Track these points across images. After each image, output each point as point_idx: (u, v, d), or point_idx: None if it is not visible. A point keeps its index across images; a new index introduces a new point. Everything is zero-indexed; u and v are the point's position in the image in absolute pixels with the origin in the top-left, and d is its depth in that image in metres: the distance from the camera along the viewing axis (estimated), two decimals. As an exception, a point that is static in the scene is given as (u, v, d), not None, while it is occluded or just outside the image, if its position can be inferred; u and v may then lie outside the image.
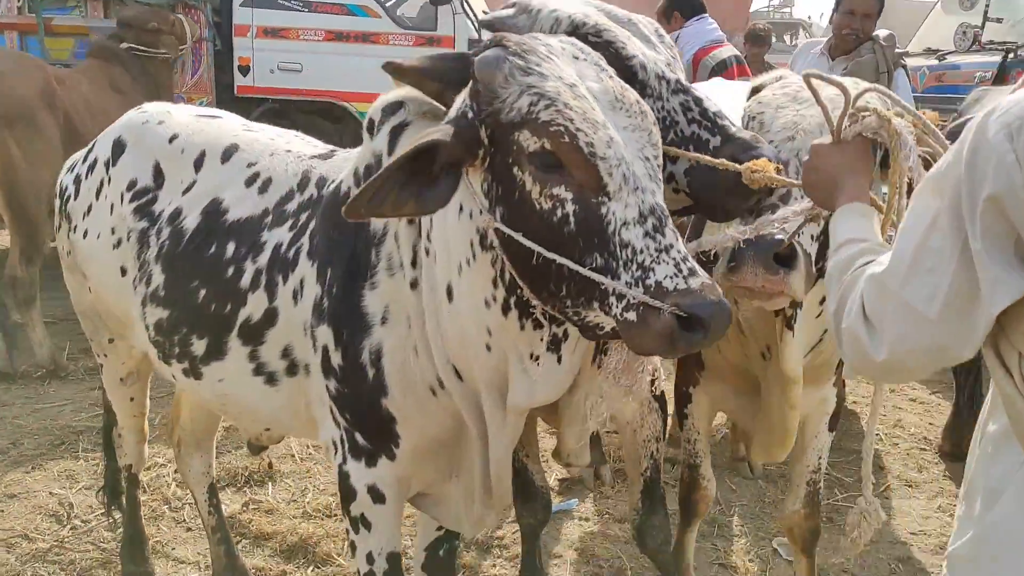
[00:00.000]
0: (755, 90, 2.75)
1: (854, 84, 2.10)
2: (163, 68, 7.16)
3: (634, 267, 1.84)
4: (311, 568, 3.93)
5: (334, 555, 4.01)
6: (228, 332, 2.69)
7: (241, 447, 4.91)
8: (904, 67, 5.88)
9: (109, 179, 3.03)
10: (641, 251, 1.84)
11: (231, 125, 3.02)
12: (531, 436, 3.40)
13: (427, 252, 2.28)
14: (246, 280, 2.65)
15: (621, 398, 2.16)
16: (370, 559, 2.64)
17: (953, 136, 1.58)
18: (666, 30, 2.58)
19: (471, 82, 2.02)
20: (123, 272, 3.00)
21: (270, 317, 2.61)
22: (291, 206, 2.68)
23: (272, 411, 2.77)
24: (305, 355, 2.58)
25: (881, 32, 5.74)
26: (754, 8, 22.86)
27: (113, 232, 3.00)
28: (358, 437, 2.52)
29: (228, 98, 7.98)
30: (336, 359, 2.46)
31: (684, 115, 2.29)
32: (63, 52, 7.73)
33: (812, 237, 2.27)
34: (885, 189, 1.99)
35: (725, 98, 2.56)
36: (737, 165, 2.12)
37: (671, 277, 1.81)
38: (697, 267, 1.85)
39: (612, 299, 1.86)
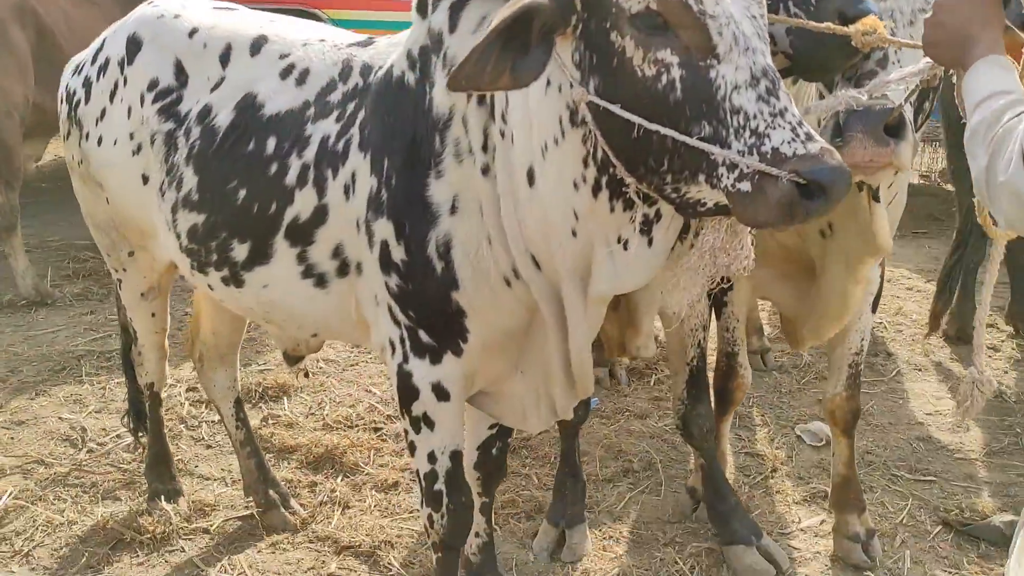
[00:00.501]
0: None
1: None
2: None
3: (747, 134, 1.76)
4: (340, 477, 3.88)
5: (361, 464, 3.97)
6: (274, 234, 2.57)
7: (251, 363, 4.82)
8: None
9: (125, 80, 2.85)
10: (754, 116, 1.76)
11: (254, 17, 2.85)
12: None
13: (502, 135, 2.17)
14: (292, 176, 2.52)
15: (710, 279, 2.09)
16: (432, 458, 2.58)
17: None
18: None
19: None
20: (145, 180, 2.84)
21: (320, 215, 2.50)
22: (335, 96, 2.53)
23: (321, 315, 2.67)
24: (358, 253, 2.48)
25: None
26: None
27: (132, 137, 2.84)
28: (422, 334, 2.43)
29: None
30: (398, 254, 2.36)
31: None
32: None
33: (909, 103, 2.19)
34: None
35: None
36: (845, 28, 2.02)
37: (788, 142, 1.73)
38: (812, 130, 1.77)
39: (722, 170, 1.78)
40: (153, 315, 3.38)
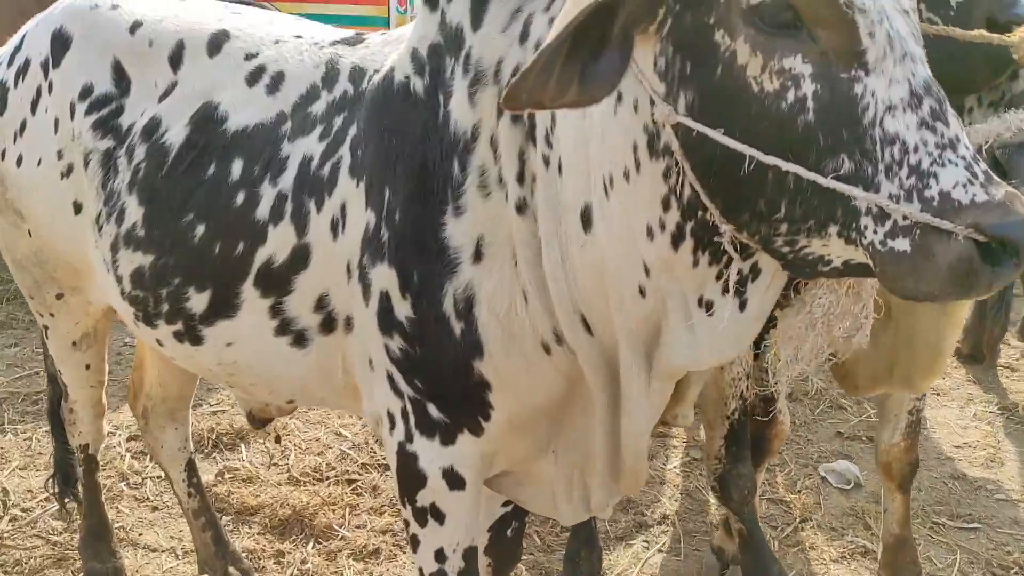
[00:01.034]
0: None
1: None
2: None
3: (905, 172, 1.29)
4: (311, 544, 3.35)
5: (334, 526, 3.43)
6: (240, 280, 2.04)
7: (200, 404, 4.24)
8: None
9: (50, 86, 2.29)
10: (915, 148, 1.29)
11: (212, 7, 2.30)
12: None
13: (546, 162, 1.67)
14: (264, 209, 1.99)
15: (818, 353, 1.62)
16: (440, 556, 2.07)
17: None
18: None
19: None
20: (77, 209, 2.29)
21: (300, 257, 1.97)
22: (318, 107, 2.01)
23: (299, 379, 2.14)
24: (348, 306, 1.96)
25: None
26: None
27: (60, 156, 2.28)
28: (432, 409, 1.92)
29: None
30: (403, 309, 1.85)
31: None
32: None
33: None
34: None
35: None
36: (1006, 37, 1.55)
37: (963, 185, 1.27)
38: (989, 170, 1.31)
39: (866, 220, 1.32)
40: (88, 367, 2.80)
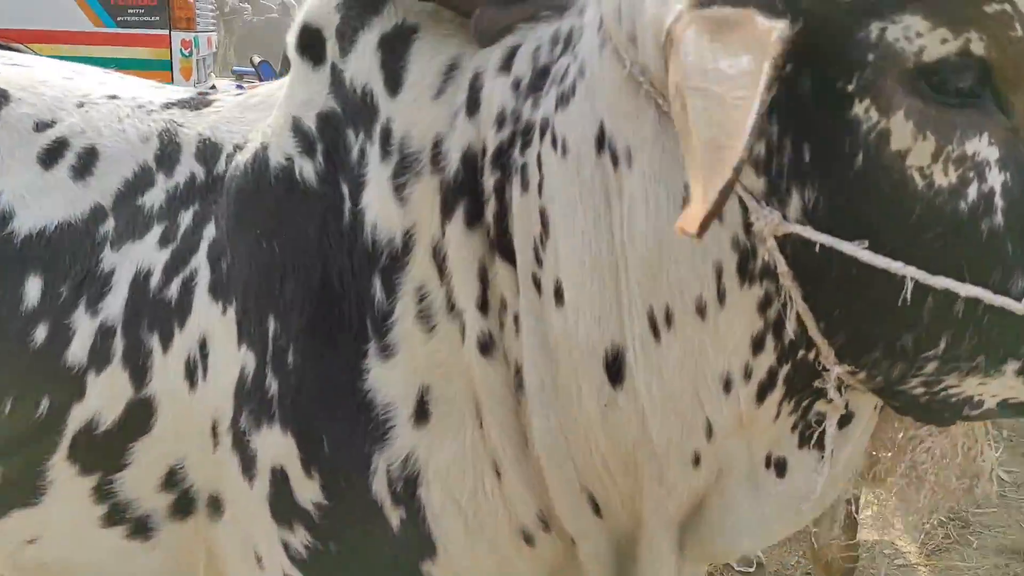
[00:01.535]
0: None
1: None
2: None
3: None
4: None
5: None
6: (47, 453, 1.40)
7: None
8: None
9: None
10: None
11: None
12: None
13: (536, 285, 1.17)
14: (79, 349, 1.37)
15: (932, 511, 1.20)
16: None
17: None
18: None
19: None
20: None
21: (138, 416, 1.36)
22: (152, 199, 1.42)
23: None
24: (212, 481, 1.38)
25: None
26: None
27: None
28: None
29: None
30: (308, 493, 1.28)
31: None
32: None
33: None
34: None
35: None
36: None
37: None
38: None
39: None
40: None
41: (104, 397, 1.36)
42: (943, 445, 1.17)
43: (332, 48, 1.33)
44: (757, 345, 1.06)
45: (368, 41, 1.28)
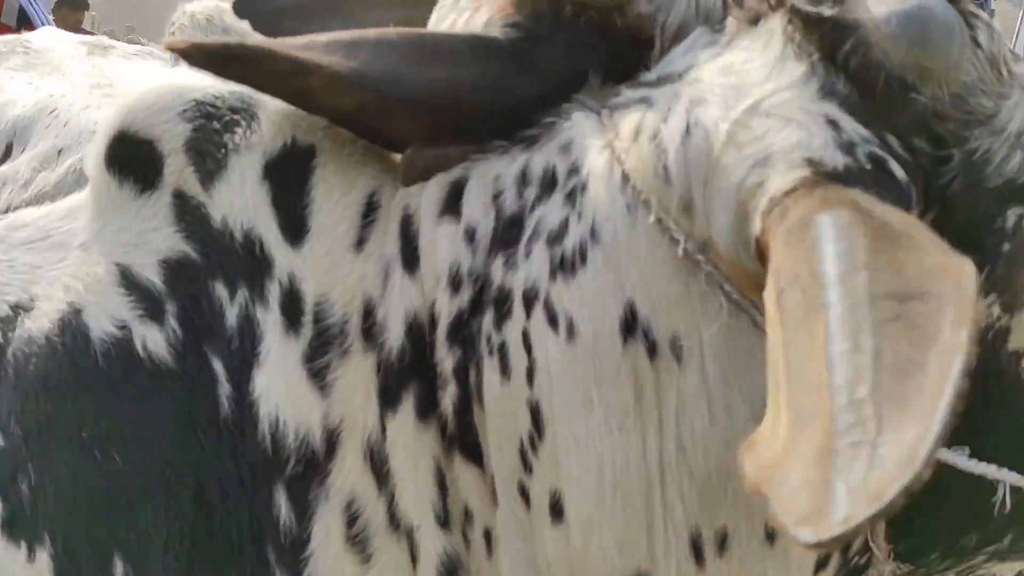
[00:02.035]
0: None
1: None
2: None
3: None
4: None
5: None
6: None
7: None
8: None
9: None
10: None
11: None
12: None
13: (522, 496, 0.93)
14: None
15: None
16: None
17: None
18: None
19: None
20: None
21: None
22: None
23: None
24: None
25: None
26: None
27: None
28: None
29: None
30: None
31: None
32: None
33: None
34: None
35: None
36: None
37: None
38: None
39: None
40: None
41: None
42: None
43: (176, 171, 1.00)
44: (821, 565, 0.90)
45: (246, 168, 0.98)
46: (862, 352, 0.63)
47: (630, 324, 0.85)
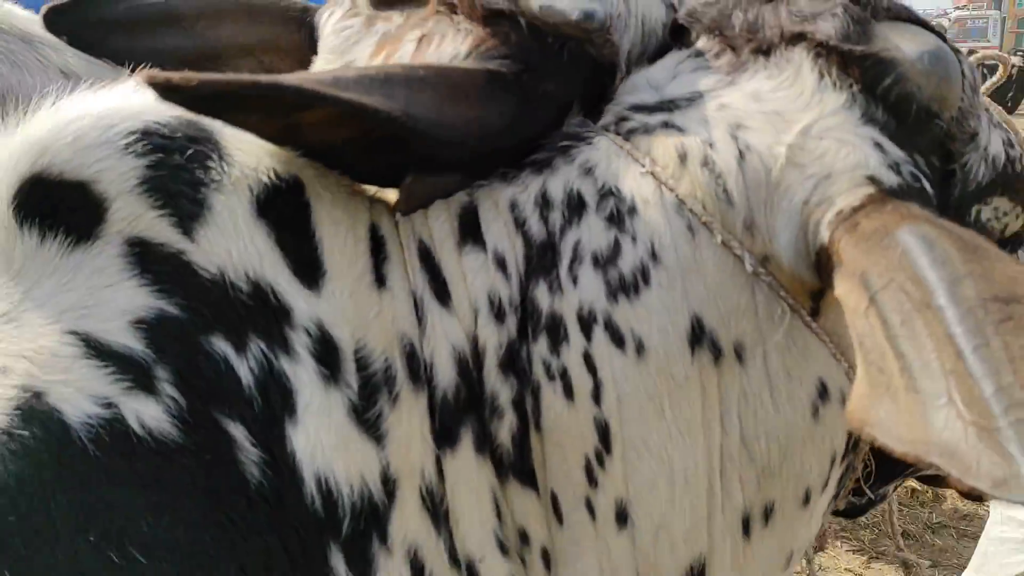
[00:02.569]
0: None
1: None
2: None
3: None
4: None
5: None
6: None
7: None
8: None
9: None
10: None
11: None
12: None
13: (589, 509, 0.95)
14: None
15: None
16: None
17: None
18: None
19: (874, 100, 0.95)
20: None
21: None
22: None
23: None
24: None
25: None
26: None
27: None
28: None
29: None
30: None
31: None
32: None
33: None
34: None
35: None
36: None
37: None
38: None
39: None
40: None
41: None
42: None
43: (128, 216, 0.86)
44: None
45: (235, 207, 0.88)
46: (991, 347, 0.74)
47: (697, 335, 0.91)
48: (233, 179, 0.89)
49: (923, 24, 0.97)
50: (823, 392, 0.94)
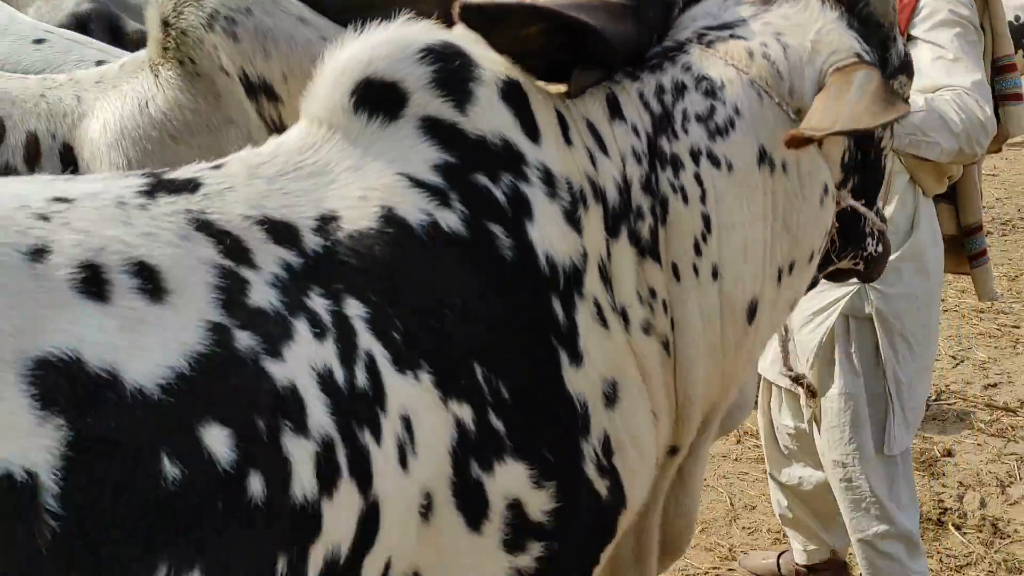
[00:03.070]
0: None
1: None
2: None
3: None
4: None
5: None
6: None
7: None
8: None
9: None
10: None
11: None
12: None
13: (695, 271, 1.54)
14: (305, 480, 1.17)
15: None
16: None
17: None
18: None
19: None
20: None
21: (368, 527, 1.25)
22: (260, 297, 1.20)
23: None
24: (412, 557, 1.34)
25: None
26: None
27: None
28: None
29: None
30: (539, 504, 1.40)
31: None
32: None
33: None
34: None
35: None
36: None
37: None
38: None
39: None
40: None
41: (339, 521, 1.21)
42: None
43: (421, 103, 1.37)
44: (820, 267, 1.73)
45: (491, 95, 1.40)
46: (863, 99, 1.41)
47: (762, 157, 1.52)
48: (485, 78, 1.41)
49: None
50: (825, 190, 1.59)
